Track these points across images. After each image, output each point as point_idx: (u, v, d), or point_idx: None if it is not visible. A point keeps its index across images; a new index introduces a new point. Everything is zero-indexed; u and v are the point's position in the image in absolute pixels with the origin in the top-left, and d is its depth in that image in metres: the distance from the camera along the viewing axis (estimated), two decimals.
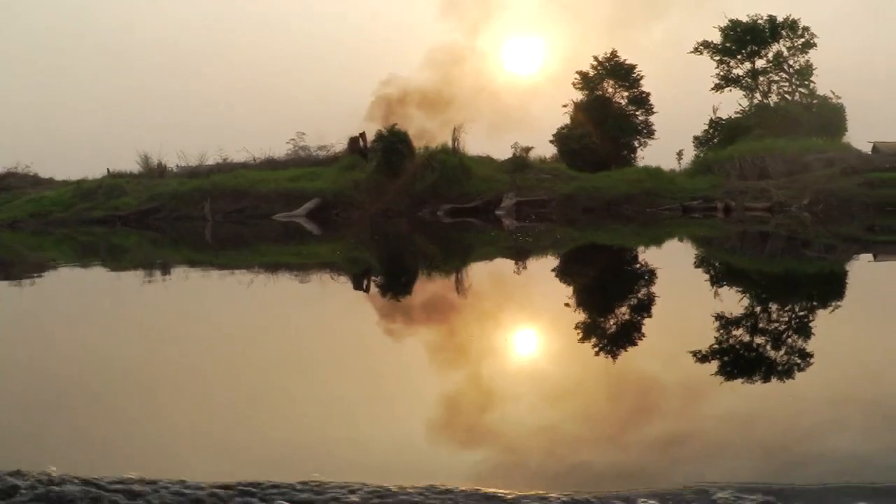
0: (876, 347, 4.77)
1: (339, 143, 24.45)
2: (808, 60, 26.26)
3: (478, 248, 13.71)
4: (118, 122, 36.02)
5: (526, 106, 34.69)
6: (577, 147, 23.86)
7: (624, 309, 6.63)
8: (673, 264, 10.37)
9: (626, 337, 5.24)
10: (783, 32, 26.41)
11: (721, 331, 5.21)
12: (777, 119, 24.41)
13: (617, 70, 25.47)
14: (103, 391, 4.06)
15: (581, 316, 6.27)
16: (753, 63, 26.94)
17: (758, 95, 27.07)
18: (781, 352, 4.57)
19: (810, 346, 4.66)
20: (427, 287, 8.69)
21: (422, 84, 27.92)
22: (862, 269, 9.17)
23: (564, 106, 26.17)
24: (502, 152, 23.68)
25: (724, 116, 27.22)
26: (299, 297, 7.96)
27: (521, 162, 21.94)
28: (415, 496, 2.35)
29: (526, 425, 3.35)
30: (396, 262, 11.90)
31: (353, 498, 2.34)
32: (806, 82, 26.27)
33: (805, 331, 5.21)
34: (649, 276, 8.88)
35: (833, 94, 25.97)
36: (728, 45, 26.89)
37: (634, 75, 25.45)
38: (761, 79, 26.92)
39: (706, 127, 27.29)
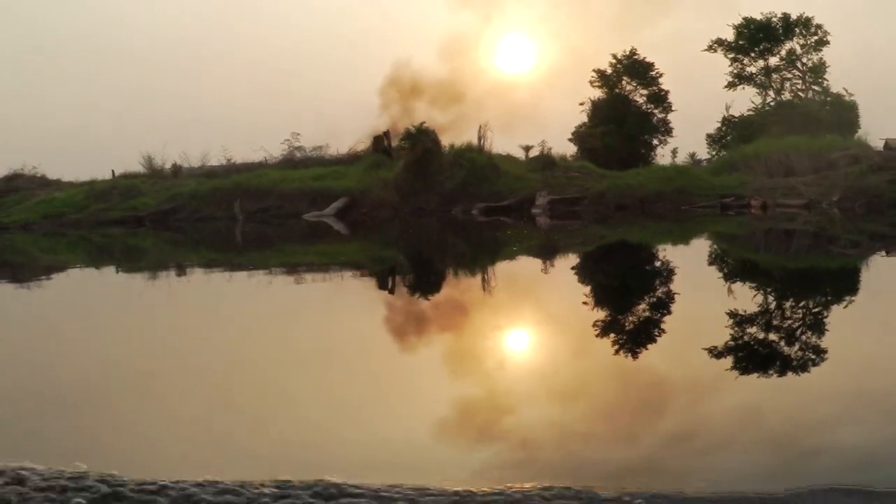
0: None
1: (335, 144, 24.44)
2: (821, 58, 26.57)
3: (536, 246, 13.52)
4: (122, 123, 35.24)
5: (534, 103, 34.53)
6: (598, 145, 23.81)
7: (663, 306, 6.52)
8: (719, 259, 10.43)
9: (664, 334, 5.17)
10: (797, 30, 26.67)
11: (756, 329, 5.15)
12: (796, 116, 24.60)
13: (635, 68, 25.46)
14: (135, 394, 3.94)
15: (610, 312, 6.29)
16: (766, 61, 27.17)
17: (771, 93, 27.33)
18: (815, 351, 4.46)
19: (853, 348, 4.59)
20: (504, 282, 8.46)
21: (432, 77, 27.59)
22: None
23: (581, 104, 26.17)
24: (513, 149, 23.72)
25: (736, 114, 27.53)
26: (348, 298, 7.71)
27: (548, 160, 21.79)
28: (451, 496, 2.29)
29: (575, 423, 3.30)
30: (460, 261, 11.63)
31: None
32: (819, 80, 26.56)
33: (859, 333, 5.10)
34: (692, 273, 8.79)
35: (846, 91, 26.32)
36: (741, 42, 27.10)
37: (653, 73, 25.47)
38: (774, 76, 27.17)
39: (718, 124, 27.51)
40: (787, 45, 26.88)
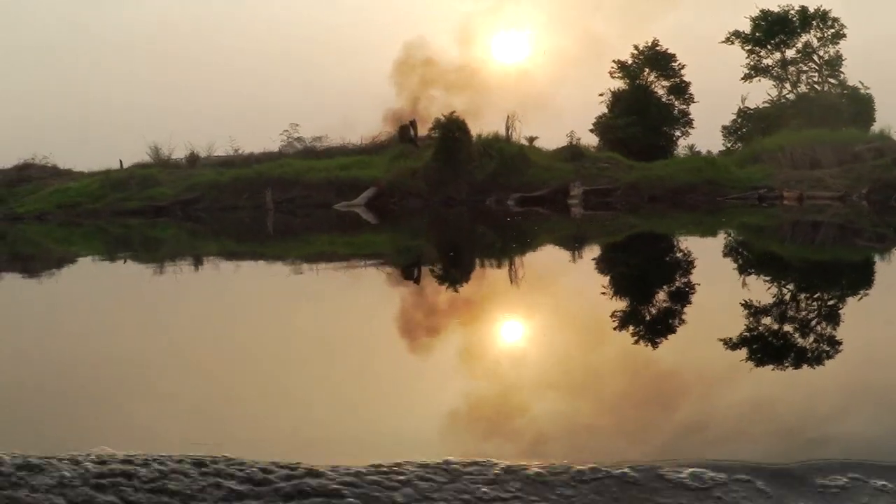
0: None
1: (333, 135, 24.09)
2: (837, 51, 26.66)
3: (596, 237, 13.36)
4: (128, 113, 34.51)
5: (548, 93, 34.26)
6: (622, 136, 23.71)
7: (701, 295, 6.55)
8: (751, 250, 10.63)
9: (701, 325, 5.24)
10: (814, 23, 26.73)
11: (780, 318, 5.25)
12: (816, 109, 24.66)
13: (657, 59, 25.38)
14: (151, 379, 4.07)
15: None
16: (783, 53, 27.22)
17: (787, 86, 27.41)
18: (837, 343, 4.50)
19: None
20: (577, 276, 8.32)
21: (446, 61, 27.13)
22: None
23: (601, 95, 26.06)
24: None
25: (752, 106, 27.58)
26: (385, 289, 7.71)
27: (577, 150, 21.64)
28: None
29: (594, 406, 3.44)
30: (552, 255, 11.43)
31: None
32: (836, 73, 26.67)
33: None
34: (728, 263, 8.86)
35: (862, 84, 26.44)
36: (758, 34, 27.11)
37: (675, 64, 25.40)
38: (791, 69, 27.23)
39: (734, 116, 27.54)
40: (804, 38, 26.93)
